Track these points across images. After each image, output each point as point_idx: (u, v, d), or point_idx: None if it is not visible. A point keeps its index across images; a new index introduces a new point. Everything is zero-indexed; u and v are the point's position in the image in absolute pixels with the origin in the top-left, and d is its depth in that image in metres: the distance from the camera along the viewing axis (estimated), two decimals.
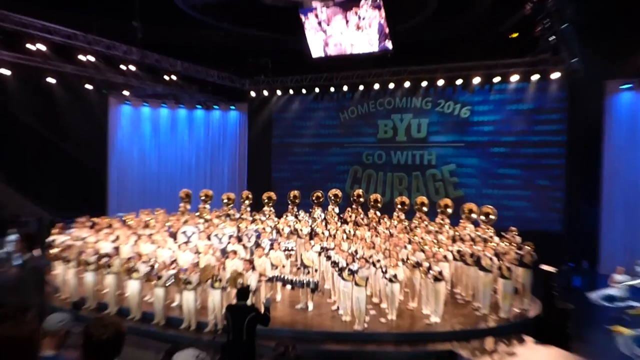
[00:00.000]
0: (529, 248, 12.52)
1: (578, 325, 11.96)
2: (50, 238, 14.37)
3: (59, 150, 23.58)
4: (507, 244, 13.45)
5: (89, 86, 21.43)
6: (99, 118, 23.22)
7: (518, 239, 14.06)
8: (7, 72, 18.77)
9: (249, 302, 8.03)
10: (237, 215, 17.57)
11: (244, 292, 7.99)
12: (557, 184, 19.30)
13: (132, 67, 19.26)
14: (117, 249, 12.77)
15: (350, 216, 17.11)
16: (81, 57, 17.83)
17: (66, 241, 13.72)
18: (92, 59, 17.99)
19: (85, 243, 13.65)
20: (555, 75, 18.48)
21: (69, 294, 12.44)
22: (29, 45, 16.62)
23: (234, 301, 8.20)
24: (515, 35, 18.48)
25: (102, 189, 23.34)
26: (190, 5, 15.16)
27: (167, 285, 11.15)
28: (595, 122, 18.44)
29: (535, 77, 18.98)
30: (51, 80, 20.43)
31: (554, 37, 15.28)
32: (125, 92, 23.16)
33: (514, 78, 19.27)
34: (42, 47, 16.73)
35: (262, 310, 7.98)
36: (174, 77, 20.96)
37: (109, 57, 18.10)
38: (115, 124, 23.79)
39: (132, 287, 11.49)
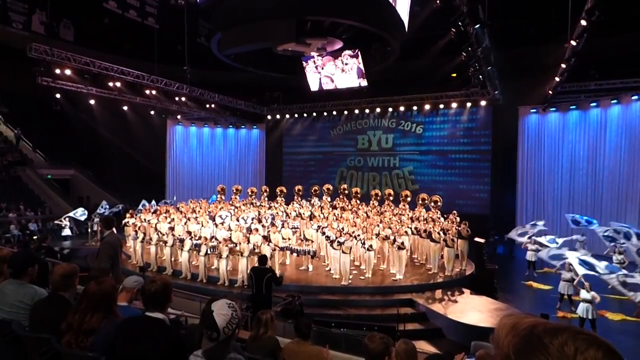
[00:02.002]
0: (465, 225, 12.42)
1: (501, 281, 11.92)
2: (124, 220, 14.19)
3: (131, 157, 23.48)
4: (450, 222, 13.34)
5: (152, 112, 21.24)
6: (160, 135, 23.04)
7: (457, 219, 13.98)
8: (92, 102, 18.57)
9: (267, 265, 7.89)
10: (258, 203, 17.42)
11: (263, 258, 7.87)
12: (484, 180, 19.19)
13: (183, 99, 19.07)
14: (172, 228, 12.60)
15: (339, 203, 16.99)
16: (147, 91, 17.63)
17: (135, 222, 13.55)
18: (154, 92, 17.79)
19: (149, 224, 13.48)
20: (483, 103, 18.39)
21: (137, 260, 12.28)
22: (109, 83, 16.44)
23: (257, 265, 8.06)
24: (454, 75, 18.39)
25: (161, 185, 23.15)
26: (225, 54, 15.01)
27: (207, 253, 11.00)
28: (512, 136, 18.38)
29: (468, 104, 18.87)
30: (125, 108, 20.23)
31: (481, 76, 15.18)
32: (178, 117, 22.98)
33: (454, 105, 19.15)
34: (118, 84, 16.52)
35: (279, 275, 7.86)
36: (213, 106, 20.78)
37: (166, 92, 17.89)
38: (171, 139, 23.54)
39: (183, 255, 11.34)
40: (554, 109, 17.71)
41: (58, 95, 18.05)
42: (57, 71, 14.27)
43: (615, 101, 15.94)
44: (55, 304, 2.78)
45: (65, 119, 22.67)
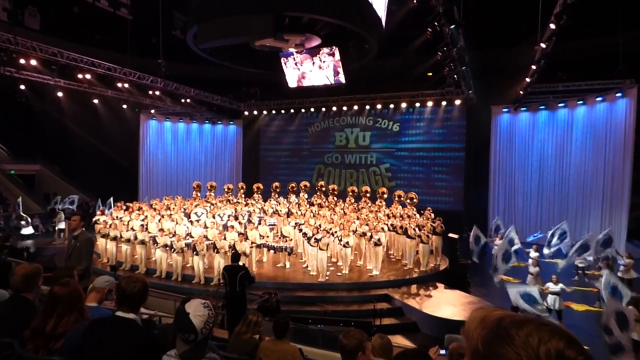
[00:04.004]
0: (440, 221, 12.64)
1: (474, 275, 12.20)
2: (95, 218, 13.73)
3: (102, 152, 22.73)
4: (425, 219, 13.56)
5: (124, 106, 20.61)
6: (132, 130, 22.40)
7: (432, 215, 14.21)
8: (60, 94, 17.86)
9: (240, 263, 7.80)
10: (235, 200, 17.21)
11: (236, 255, 7.80)
12: (458, 177, 19.58)
13: (157, 93, 18.56)
14: (145, 226, 12.26)
15: (316, 200, 16.99)
16: (119, 84, 17.07)
17: (107, 220, 13.13)
18: (127, 86, 17.24)
19: (121, 221, 13.09)
20: (458, 102, 18.75)
21: (107, 259, 11.91)
22: (78, 75, 15.80)
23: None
24: (430, 74, 18.64)
25: (134, 182, 22.54)
26: (201, 48, 14.68)
27: (183, 251, 10.78)
28: (485, 134, 18.82)
29: (444, 103, 19.20)
30: (96, 101, 19.55)
31: (456, 76, 15.45)
32: (152, 111, 22.40)
33: (430, 103, 19.44)
34: (88, 76, 15.91)
35: (253, 274, 7.79)
36: (188, 100, 20.33)
37: (139, 85, 17.35)
38: (144, 134, 22.94)
39: (157, 253, 11.07)
40: (524, 108, 18.25)
41: (23, 87, 17.19)
42: (22, 61, 13.59)
43: (581, 102, 16.57)
44: (18, 306, 2.63)
45: (31, 112, 21.64)
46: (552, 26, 10.25)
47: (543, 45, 11.40)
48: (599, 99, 15.79)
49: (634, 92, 14.40)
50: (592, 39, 15.99)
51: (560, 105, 17.34)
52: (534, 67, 13.01)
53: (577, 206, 16.59)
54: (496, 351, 0.77)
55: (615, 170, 14.86)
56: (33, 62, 13.80)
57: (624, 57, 14.62)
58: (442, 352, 3.89)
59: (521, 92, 15.97)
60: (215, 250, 10.35)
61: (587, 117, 16.46)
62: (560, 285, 8.86)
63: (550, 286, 8.96)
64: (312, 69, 17.92)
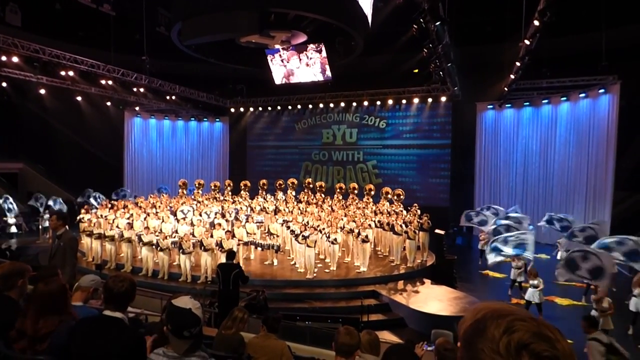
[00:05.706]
0: (426, 218, 12.78)
1: (460, 271, 12.40)
2: (79, 216, 13.55)
3: (86, 150, 22.37)
4: (412, 215, 13.69)
5: (108, 103, 20.32)
6: (117, 127, 22.09)
7: (419, 211, 14.36)
8: (43, 91, 17.52)
9: (234, 261, 7.82)
10: (222, 198, 17.15)
11: (231, 254, 7.82)
12: (444, 174, 19.77)
13: (142, 90, 18.31)
14: (130, 224, 12.15)
15: (303, 197, 17.02)
16: (102, 81, 16.79)
17: (91, 218, 12.98)
18: (110, 83, 16.97)
19: (106, 220, 12.95)
20: (443, 98, 18.94)
21: (92, 258, 11.78)
22: (61, 72, 15.49)
23: (223, 261, 7.95)
24: (416, 70, 18.76)
25: (119, 180, 22.25)
26: (186, 44, 14.56)
27: (169, 249, 10.72)
28: (470, 131, 19.03)
29: (429, 100, 19.37)
30: (79, 98, 19.21)
31: (442, 72, 15.59)
32: (137, 108, 22.10)
33: (416, 100, 19.59)
34: (71, 73, 15.61)
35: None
36: (173, 97, 20.12)
37: (123, 82, 17.09)
38: (129, 132, 22.64)
39: (143, 252, 10.99)
40: (509, 105, 18.51)
41: (4, 84, 16.81)
42: (3, 58, 13.31)
43: (564, 98, 16.88)
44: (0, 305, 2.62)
45: (13, 109, 21.19)
46: (536, 23, 10.42)
47: (527, 42, 11.58)
48: (582, 95, 16.09)
49: (616, 88, 14.69)
50: (576, 35, 16.25)
51: (544, 101, 17.63)
52: (518, 63, 13.21)
53: (561, 202, 16.92)
54: (472, 343, 0.77)
55: (599, 166, 15.15)
56: (15, 59, 13.52)
57: (607, 54, 14.84)
58: (428, 347, 3.99)
59: (506, 89, 16.19)
60: (202, 248, 10.32)
61: (571, 113, 16.77)
62: (539, 279, 9.10)
63: (530, 280, 9.19)
64: (299, 65, 17.94)
